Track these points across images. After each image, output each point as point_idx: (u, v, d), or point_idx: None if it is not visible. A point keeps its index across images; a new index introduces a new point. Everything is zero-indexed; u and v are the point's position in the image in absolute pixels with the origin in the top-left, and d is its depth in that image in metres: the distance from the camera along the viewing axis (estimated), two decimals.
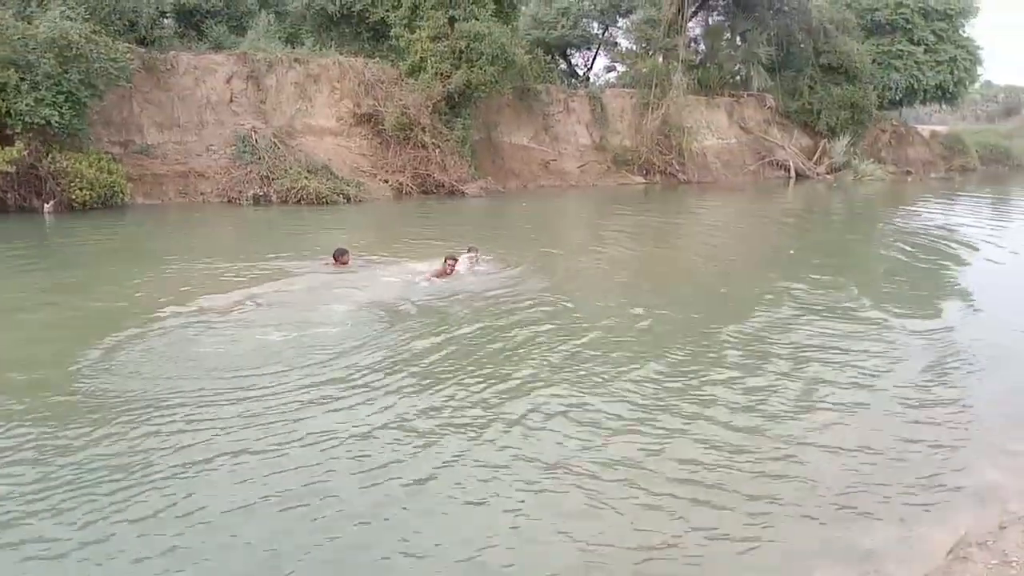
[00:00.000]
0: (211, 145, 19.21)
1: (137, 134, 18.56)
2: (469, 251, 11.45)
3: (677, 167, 28.35)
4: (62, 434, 5.65)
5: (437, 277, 10.52)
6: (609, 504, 5.02)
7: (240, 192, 18.35)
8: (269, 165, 18.86)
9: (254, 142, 19.13)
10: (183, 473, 5.16)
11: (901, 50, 34.74)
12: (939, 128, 46.08)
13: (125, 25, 18.12)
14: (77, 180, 15.81)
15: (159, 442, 5.56)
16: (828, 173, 31.76)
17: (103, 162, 16.61)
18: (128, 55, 17.08)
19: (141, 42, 18.94)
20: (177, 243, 13.76)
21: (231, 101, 19.99)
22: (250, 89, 20.26)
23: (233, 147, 19.15)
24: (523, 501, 5.02)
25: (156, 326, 8.17)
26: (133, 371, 6.89)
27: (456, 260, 10.81)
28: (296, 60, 21.21)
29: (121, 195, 16.65)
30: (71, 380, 6.63)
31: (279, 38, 22.78)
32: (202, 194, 18.30)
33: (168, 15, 22.81)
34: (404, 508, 4.86)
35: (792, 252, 13.58)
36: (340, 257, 11.04)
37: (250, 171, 18.69)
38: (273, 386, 6.62)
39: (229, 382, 6.65)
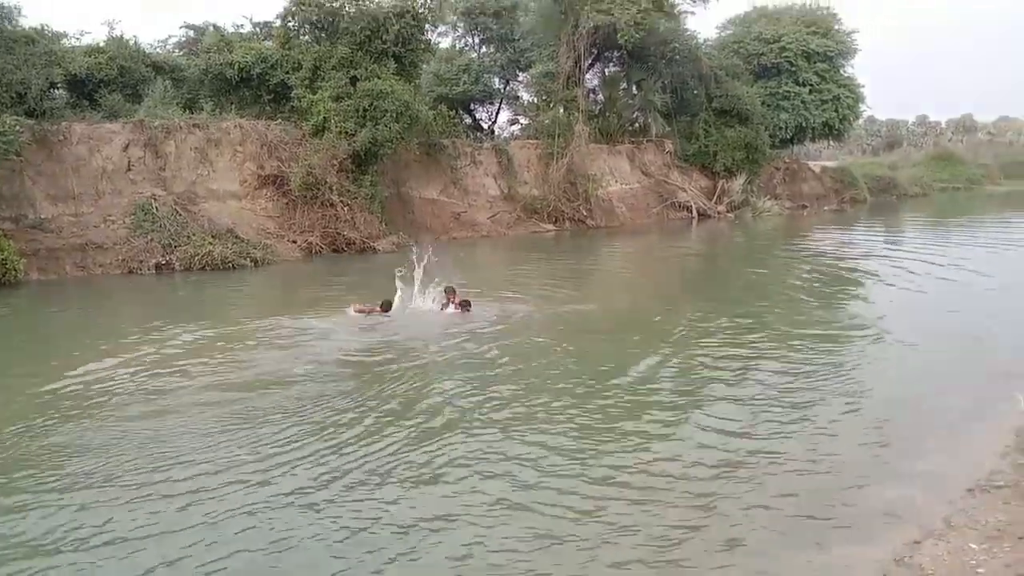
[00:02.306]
0: (109, 215, 18.60)
1: (29, 208, 17.81)
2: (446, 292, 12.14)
3: (584, 213, 28.95)
4: None
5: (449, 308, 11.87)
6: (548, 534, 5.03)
7: (141, 262, 17.75)
8: (171, 232, 18.36)
9: (154, 210, 18.63)
10: None
11: (788, 91, 36.44)
12: (829, 163, 48.42)
13: (13, 97, 17.60)
14: None
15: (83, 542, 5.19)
16: (728, 211, 32.89)
17: None
18: (17, 127, 16.53)
19: (31, 114, 18.34)
20: (81, 319, 13.27)
21: (128, 170, 19.47)
22: (148, 157, 19.80)
23: (132, 216, 18.57)
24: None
25: (74, 407, 7.85)
26: (52, 456, 6.55)
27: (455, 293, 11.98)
28: (195, 125, 20.89)
29: (14, 272, 15.90)
30: None
31: (177, 104, 22.40)
32: (101, 266, 17.64)
33: (59, 86, 22.24)
34: None
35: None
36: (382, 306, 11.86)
37: (151, 240, 18.15)
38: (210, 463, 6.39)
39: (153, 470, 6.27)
